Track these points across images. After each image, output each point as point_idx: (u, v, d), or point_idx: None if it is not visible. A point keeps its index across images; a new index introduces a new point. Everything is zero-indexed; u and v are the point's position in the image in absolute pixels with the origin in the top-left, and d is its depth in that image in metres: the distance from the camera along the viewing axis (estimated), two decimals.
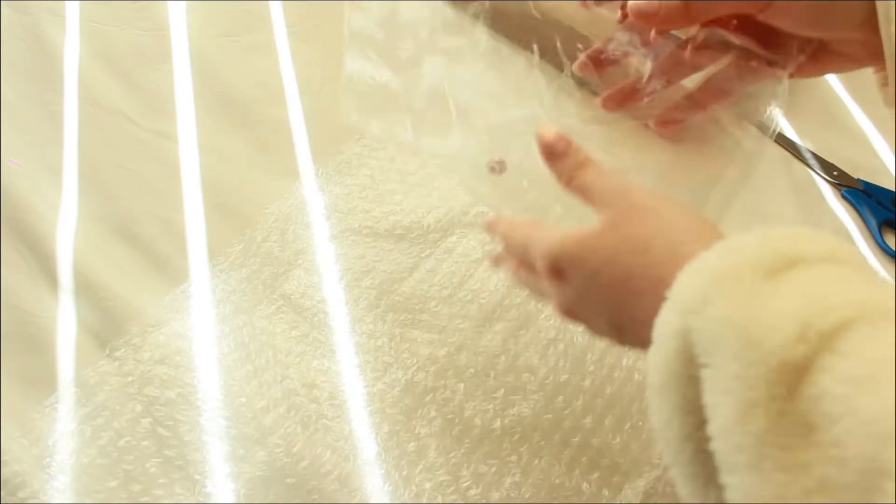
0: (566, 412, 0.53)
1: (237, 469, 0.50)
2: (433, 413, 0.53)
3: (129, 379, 0.53)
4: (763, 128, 0.50)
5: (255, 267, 0.59)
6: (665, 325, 0.30)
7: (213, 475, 0.50)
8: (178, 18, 0.75)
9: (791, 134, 0.68)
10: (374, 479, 0.50)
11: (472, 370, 0.55)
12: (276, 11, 0.77)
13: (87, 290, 0.56)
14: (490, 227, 0.45)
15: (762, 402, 0.24)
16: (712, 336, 0.27)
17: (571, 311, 0.39)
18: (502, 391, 0.54)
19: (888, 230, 0.66)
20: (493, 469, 0.51)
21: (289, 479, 0.50)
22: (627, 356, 0.55)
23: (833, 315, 0.25)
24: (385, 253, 0.60)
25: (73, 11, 0.74)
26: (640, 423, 0.52)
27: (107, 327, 0.55)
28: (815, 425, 0.24)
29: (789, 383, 0.24)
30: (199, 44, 0.73)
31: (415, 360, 0.55)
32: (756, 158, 0.50)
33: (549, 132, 0.40)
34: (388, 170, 0.66)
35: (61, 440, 0.50)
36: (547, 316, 0.57)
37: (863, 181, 0.67)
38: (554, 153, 0.40)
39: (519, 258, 0.43)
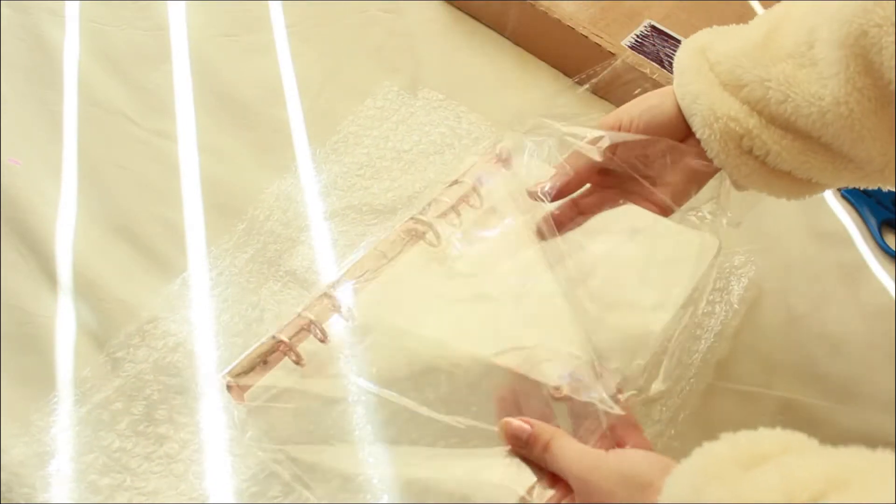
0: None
1: (251, 448, 0.50)
2: (441, 378, 0.52)
3: (128, 378, 0.52)
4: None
5: (259, 245, 0.60)
6: None
7: (217, 468, 0.50)
8: (178, 18, 0.75)
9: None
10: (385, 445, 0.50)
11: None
12: (276, 11, 0.77)
13: (86, 289, 0.56)
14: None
15: None
16: None
17: None
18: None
19: (888, 230, 0.66)
20: None
21: (302, 453, 0.50)
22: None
23: (810, 488, 0.31)
24: (386, 229, 0.60)
25: (73, 11, 0.74)
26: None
27: (106, 327, 0.55)
28: None
29: None
30: (199, 44, 0.73)
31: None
32: None
33: (512, 424, 0.44)
34: (383, 147, 0.67)
35: (61, 438, 0.50)
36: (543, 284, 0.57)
37: None
38: (519, 443, 0.44)
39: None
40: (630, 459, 0.40)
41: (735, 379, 0.57)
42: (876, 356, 0.59)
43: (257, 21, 0.76)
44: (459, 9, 0.80)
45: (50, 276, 0.57)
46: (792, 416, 0.55)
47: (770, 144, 0.44)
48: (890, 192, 0.66)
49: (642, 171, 0.51)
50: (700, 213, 0.54)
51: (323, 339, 0.50)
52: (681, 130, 0.49)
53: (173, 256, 0.59)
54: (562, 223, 0.53)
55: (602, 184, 0.53)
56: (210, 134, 0.67)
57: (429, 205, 0.55)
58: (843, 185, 0.46)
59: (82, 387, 0.52)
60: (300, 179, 0.64)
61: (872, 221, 0.65)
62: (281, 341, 0.48)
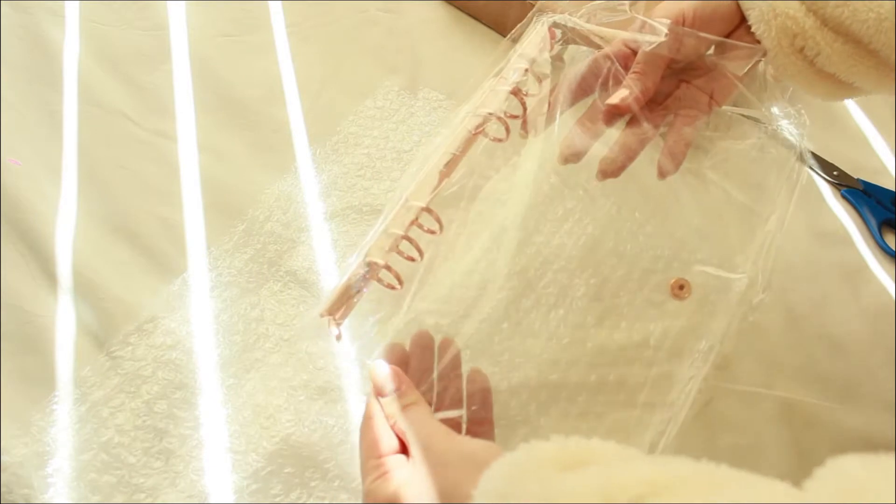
0: (570, 371, 0.54)
1: (251, 446, 0.50)
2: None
3: (128, 376, 0.53)
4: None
5: (259, 246, 0.60)
6: None
7: (218, 465, 0.50)
8: (178, 18, 0.75)
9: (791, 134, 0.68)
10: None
11: (477, 337, 0.55)
12: (276, 11, 0.77)
13: (86, 289, 0.56)
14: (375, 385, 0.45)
15: None
16: None
17: None
18: (507, 355, 0.55)
19: (888, 230, 0.66)
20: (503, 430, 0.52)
21: (303, 452, 0.50)
22: (626, 318, 0.56)
23: (630, 491, 0.30)
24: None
25: (73, 11, 0.74)
26: (643, 380, 0.54)
27: (106, 326, 0.55)
28: None
29: None
30: (199, 44, 0.73)
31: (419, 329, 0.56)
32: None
33: (382, 372, 0.44)
34: (383, 147, 0.67)
35: (61, 437, 0.50)
36: (546, 284, 0.58)
37: (863, 181, 0.67)
38: (382, 392, 0.44)
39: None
40: (475, 444, 0.40)
41: (735, 379, 0.57)
42: (876, 356, 0.59)
43: (257, 21, 0.76)
44: (459, 9, 0.80)
45: (50, 276, 0.57)
46: (792, 416, 0.55)
47: (822, 46, 0.46)
48: (890, 191, 0.66)
49: (707, 61, 0.51)
50: (772, 126, 0.54)
51: (414, 258, 0.46)
52: (734, 23, 0.50)
53: (173, 257, 0.59)
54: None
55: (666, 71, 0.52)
56: (210, 134, 0.67)
57: (483, 97, 0.50)
58: (882, 92, 0.48)
59: (82, 386, 0.52)
60: (300, 179, 0.64)
61: (872, 221, 0.65)
62: (372, 264, 0.44)
